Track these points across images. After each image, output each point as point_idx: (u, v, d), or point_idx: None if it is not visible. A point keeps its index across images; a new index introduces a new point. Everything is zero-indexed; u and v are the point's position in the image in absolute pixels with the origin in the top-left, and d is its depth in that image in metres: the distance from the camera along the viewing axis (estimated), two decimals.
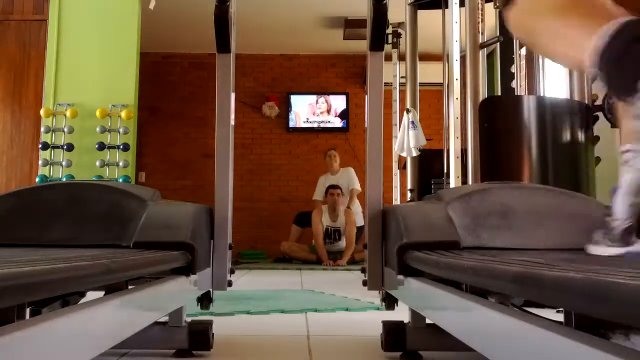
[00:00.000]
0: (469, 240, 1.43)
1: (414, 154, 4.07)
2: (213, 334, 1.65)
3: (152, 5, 5.17)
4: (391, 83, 5.52)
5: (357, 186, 6.51)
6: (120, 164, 5.12)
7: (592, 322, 0.72)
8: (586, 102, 3.30)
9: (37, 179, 5.05)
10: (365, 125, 1.84)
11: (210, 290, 1.71)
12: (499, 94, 4.49)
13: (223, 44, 1.79)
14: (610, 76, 0.91)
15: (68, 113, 5.10)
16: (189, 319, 1.66)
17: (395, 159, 5.34)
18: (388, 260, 1.62)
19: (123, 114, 5.11)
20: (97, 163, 5.09)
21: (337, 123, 7.82)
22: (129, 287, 1.14)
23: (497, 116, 3.13)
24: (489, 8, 3.79)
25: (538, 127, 3.08)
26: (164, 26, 6.67)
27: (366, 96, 1.84)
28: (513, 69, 4.23)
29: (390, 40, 5.63)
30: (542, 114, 3.12)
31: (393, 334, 1.58)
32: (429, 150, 4.30)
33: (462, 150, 3.15)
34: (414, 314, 1.57)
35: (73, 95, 5.21)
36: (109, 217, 1.53)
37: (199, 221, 1.59)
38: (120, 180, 5.00)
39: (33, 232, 1.51)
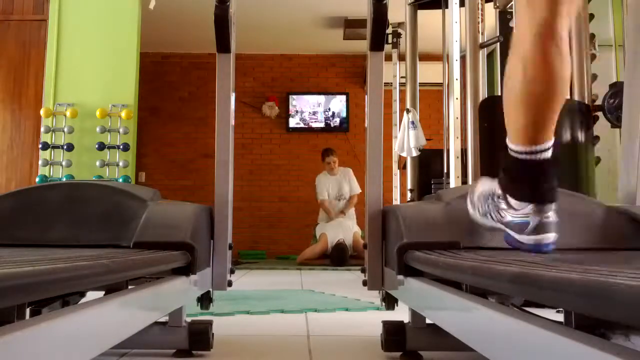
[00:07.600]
0: (469, 240, 1.43)
1: (414, 154, 4.07)
2: (213, 334, 1.65)
3: (152, 5, 5.17)
4: (391, 83, 5.52)
5: (358, 189, 6.42)
6: (120, 164, 5.12)
7: (592, 322, 0.72)
8: (586, 102, 3.30)
9: (37, 179, 5.05)
10: (365, 125, 1.84)
11: (210, 290, 1.71)
12: (499, 94, 4.48)
13: (223, 44, 1.79)
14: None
15: (68, 113, 5.10)
16: (189, 319, 1.66)
17: (395, 159, 5.34)
18: (388, 260, 1.62)
19: (123, 114, 5.11)
20: (97, 163, 5.09)
21: (337, 123, 7.81)
22: (129, 287, 1.14)
23: (497, 116, 3.12)
24: (489, 8, 3.79)
25: None
26: (164, 26, 6.66)
27: (366, 96, 1.84)
28: None
29: (390, 40, 5.63)
30: None
31: (393, 334, 1.58)
32: (429, 150, 4.30)
33: (462, 150, 3.15)
34: (414, 314, 1.57)
35: (73, 95, 5.21)
36: (109, 217, 1.53)
37: (199, 221, 1.59)
38: (120, 180, 5.00)
39: (33, 232, 1.51)
